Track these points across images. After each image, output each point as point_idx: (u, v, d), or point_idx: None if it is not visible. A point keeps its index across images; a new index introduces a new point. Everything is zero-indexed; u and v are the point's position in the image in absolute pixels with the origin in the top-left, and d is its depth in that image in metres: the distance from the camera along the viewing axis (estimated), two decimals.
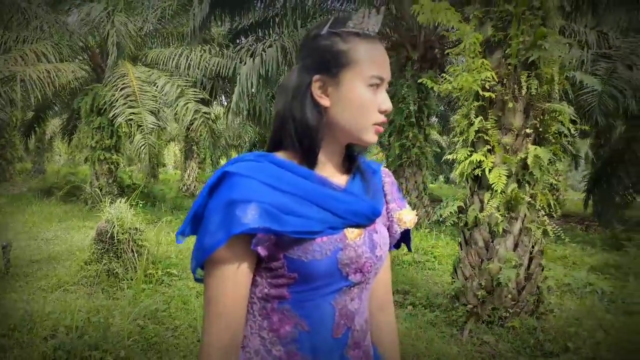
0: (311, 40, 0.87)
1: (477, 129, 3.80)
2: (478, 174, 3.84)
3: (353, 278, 0.84)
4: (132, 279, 4.50)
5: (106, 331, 3.10)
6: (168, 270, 4.88)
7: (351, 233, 0.84)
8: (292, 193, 0.79)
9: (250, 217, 0.74)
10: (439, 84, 3.95)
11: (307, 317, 0.82)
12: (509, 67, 3.75)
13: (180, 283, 4.59)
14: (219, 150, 20.66)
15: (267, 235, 0.77)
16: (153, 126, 8.31)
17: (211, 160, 21.27)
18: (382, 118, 0.86)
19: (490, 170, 3.75)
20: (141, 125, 8.18)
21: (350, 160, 0.94)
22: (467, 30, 3.69)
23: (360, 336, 0.89)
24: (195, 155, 16.32)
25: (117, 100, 8.37)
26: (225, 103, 14.43)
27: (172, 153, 30.45)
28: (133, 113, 8.20)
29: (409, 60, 8.85)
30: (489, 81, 3.70)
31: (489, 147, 3.82)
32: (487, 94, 3.70)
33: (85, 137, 10.25)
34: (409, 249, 1.09)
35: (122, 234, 4.62)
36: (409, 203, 8.44)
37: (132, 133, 8.82)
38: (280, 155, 0.85)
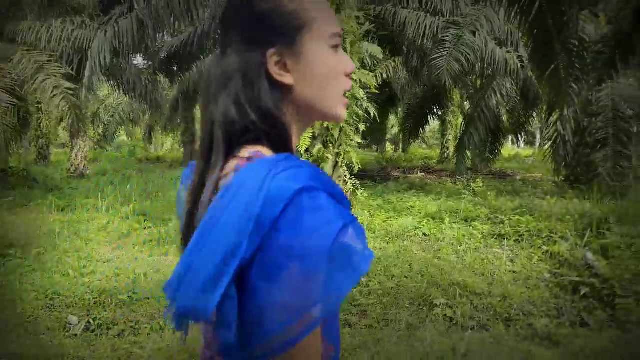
0: (244, 7, 0.68)
1: None
2: None
3: None
4: None
5: None
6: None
7: None
8: (341, 199, 0.62)
9: (360, 244, 0.56)
10: None
11: (330, 338, 0.67)
12: None
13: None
14: (113, 126, 19.82)
15: None
16: (7, 105, 7.81)
17: (105, 136, 20.33)
18: (349, 82, 0.73)
19: None
20: None
21: None
22: None
23: None
24: (83, 133, 15.46)
25: None
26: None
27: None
28: None
29: None
30: None
31: None
32: None
33: None
34: None
35: None
36: None
37: None
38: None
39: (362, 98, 4.01)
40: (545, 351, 3.06)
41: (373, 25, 6.38)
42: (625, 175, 8.14)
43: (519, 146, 26.80)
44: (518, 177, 12.98)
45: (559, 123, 8.10)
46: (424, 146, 31.44)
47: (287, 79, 0.67)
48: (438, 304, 3.74)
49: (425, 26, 8.62)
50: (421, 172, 13.41)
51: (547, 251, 4.82)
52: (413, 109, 12.49)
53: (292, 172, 0.56)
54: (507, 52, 8.51)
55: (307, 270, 0.52)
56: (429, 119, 13.03)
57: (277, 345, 0.51)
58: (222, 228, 0.53)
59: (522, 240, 5.39)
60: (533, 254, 4.85)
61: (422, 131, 14.23)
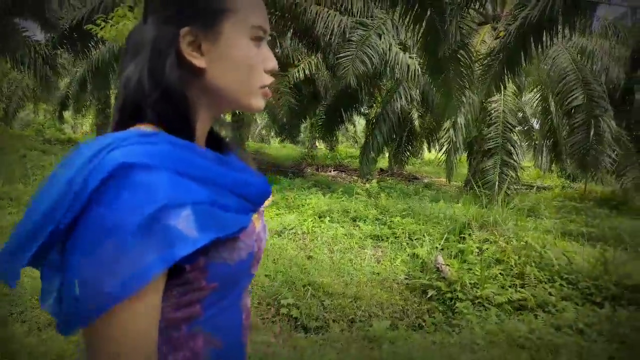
0: None
1: None
2: None
3: (254, 270, 0.72)
4: None
5: None
6: None
7: (256, 220, 0.73)
8: (212, 182, 0.61)
9: (193, 227, 0.55)
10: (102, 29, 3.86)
11: (220, 332, 0.66)
12: None
13: None
14: (15, 101, 18.14)
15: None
16: None
17: (6, 113, 18.54)
18: (269, 79, 0.70)
19: None
20: None
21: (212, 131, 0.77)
22: None
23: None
24: None
25: None
26: None
27: None
28: None
29: None
30: None
31: None
32: None
33: None
34: None
35: None
36: None
37: None
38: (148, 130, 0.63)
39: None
40: (371, 352, 3.08)
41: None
42: (510, 182, 8.65)
43: (435, 150, 27.91)
44: (425, 181, 13.49)
45: (451, 130, 8.43)
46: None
47: (198, 61, 0.64)
48: (285, 304, 3.68)
49: (334, 24, 8.62)
50: (334, 171, 13.53)
51: (413, 254, 4.95)
52: (329, 107, 12.54)
53: (135, 148, 0.55)
54: (410, 57, 8.71)
55: (109, 247, 0.51)
56: (345, 118, 13.14)
57: (80, 317, 0.52)
58: (45, 193, 0.54)
59: (397, 242, 5.52)
60: (398, 256, 4.96)
61: (336, 130, 14.32)
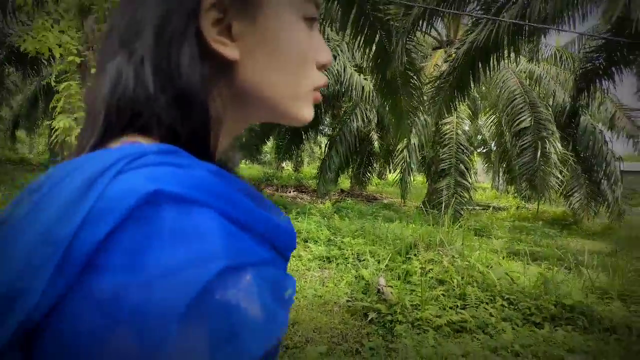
0: None
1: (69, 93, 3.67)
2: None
3: None
4: None
5: None
6: None
7: None
8: (259, 231, 0.39)
9: (261, 305, 0.34)
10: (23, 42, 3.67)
11: None
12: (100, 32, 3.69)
13: None
14: None
15: None
16: None
17: None
18: (323, 78, 0.48)
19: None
20: None
21: None
22: None
23: None
24: None
25: None
26: None
27: None
28: None
29: None
30: (74, 45, 3.58)
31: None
32: (70, 58, 3.57)
33: None
34: None
35: None
36: None
37: None
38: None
39: None
40: None
41: None
42: (463, 203, 8.75)
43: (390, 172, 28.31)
44: (385, 201, 13.54)
45: (405, 151, 8.50)
46: None
47: (229, 50, 0.41)
48: None
49: None
50: (294, 191, 13.41)
51: (358, 275, 4.85)
52: (289, 128, 12.51)
53: (158, 170, 0.33)
54: (365, 79, 8.80)
55: (142, 351, 0.28)
56: (306, 138, 13.13)
57: None
58: (4, 250, 0.30)
59: (344, 263, 5.41)
60: (344, 278, 4.85)
61: (298, 150, 14.28)
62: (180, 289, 0.30)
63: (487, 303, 4.11)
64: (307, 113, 0.48)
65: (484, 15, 6.32)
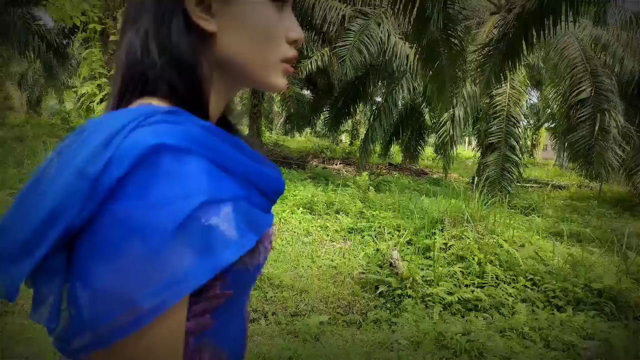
0: None
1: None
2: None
3: (258, 274, 0.61)
4: None
5: None
6: None
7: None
8: (242, 175, 0.52)
9: (234, 228, 0.47)
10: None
11: (226, 342, 0.57)
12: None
13: None
14: (37, 89, 18.71)
15: None
16: None
17: (29, 101, 19.12)
18: (292, 51, 0.59)
19: (100, 101, 3.82)
20: None
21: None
22: None
23: None
24: None
25: None
26: None
27: None
28: None
29: None
30: (95, 13, 3.69)
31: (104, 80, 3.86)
32: (92, 26, 3.69)
33: None
34: None
35: None
36: None
37: None
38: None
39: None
40: (294, 345, 2.94)
41: None
42: (511, 179, 8.27)
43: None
44: (434, 176, 13.14)
45: (448, 123, 8.11)
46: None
47: (208, 24, 0.53)
48: None
49: (332, 13, 8.42)
50: (340, 164, 13.33)
51: (378, 249, 4.76)
52: (336, 100, 12.32)
53: (162, 127, 0.45)
54: (410, 47, 8.41)
55: (144, 252, 0.41)
56: (353, 110, 12.89)
57: (101, 337, 0.41)
58: (48, 186, 0.43)
59: (370, 235, 5.33)
60: (364, 250, 4.78)
61: (344, 122, 14.10)
62: (171, 214, 0.42)
63: (508, 283, 3.90)
64: (276, 81, 0.58)
65: None
